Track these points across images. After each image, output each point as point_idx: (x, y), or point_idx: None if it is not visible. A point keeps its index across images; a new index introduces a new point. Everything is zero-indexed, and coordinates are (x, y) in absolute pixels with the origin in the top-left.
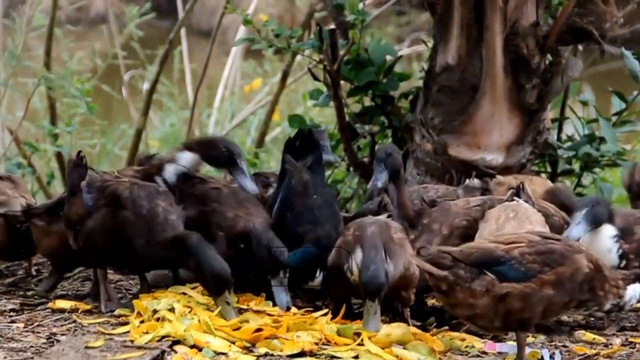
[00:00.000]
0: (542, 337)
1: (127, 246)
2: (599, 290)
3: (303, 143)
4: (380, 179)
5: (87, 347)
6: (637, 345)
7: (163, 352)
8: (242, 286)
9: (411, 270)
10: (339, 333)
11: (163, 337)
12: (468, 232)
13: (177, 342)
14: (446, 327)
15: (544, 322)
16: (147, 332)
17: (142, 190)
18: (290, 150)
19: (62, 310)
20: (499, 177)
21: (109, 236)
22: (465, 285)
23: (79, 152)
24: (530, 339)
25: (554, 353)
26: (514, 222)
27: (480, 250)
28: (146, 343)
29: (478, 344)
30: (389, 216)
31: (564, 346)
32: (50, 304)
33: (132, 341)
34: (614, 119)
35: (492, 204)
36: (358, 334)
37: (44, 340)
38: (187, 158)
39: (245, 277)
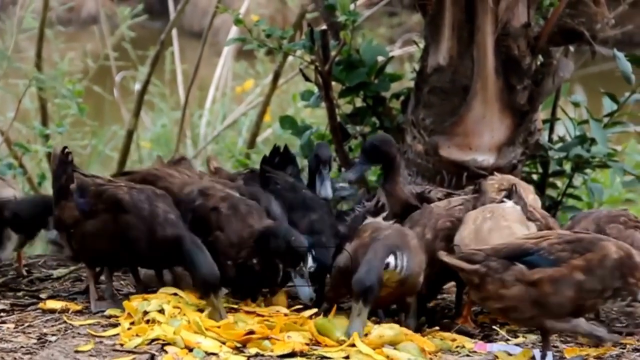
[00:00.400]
0: (533, 337)
1: (129, 248)
2: (630, 277)
3: (281, 159)
4: (356, 171)
5: (76, 351)
6: (628, 346)
7: (152, 356)
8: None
9: (420, 278)
10: (319, 331)
11: (153, 340)
12: (452, 233)
13: (167, 343)
14: (437, 328)
15: (582, 315)
16: (137, 335)
17: (141, 194)
18: (268, 165)
19: (52, 311)
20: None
21: (111, 240)
22: (496, 276)
23: (64, 147)
24: (520, 339)
25: (545, 354)
26: (490, 222)
27: (510, 245)
28: (136, 347)
29: (469, 344)
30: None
31: (555, 346)
32: (41, 305)
33: (121, 344)
34: (605, 120)
35: (475, 204)
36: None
37: (35, 341)
38: None
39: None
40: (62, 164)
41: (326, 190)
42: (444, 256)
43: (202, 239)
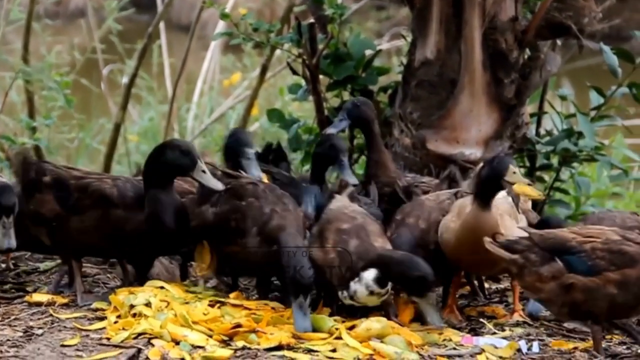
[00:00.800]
0: (520, 331)
1: (120, 240)
2: None
3: (275, 156)
4: (336, 126)
5: (62, 346)
6: (614, 339)
7: (139, 350)
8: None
9: None
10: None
11: (139, 334)
12: None
13: (154, 337)
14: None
15: (618, 322)
16: (123, 329)
17: (128, 184)
18: (262, 161)
19: (38, 304)
20: None
21: (102, 234)
22: (533, 269)
23: (23, 144)
24: (507, 332)
25: (531, 345)
26: None
27: (558, 237)
28: (122, 341)
29: (455, 337)
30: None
31: (541, 339)
32: (27, 298)
33: (108, 339)
34: (592, 114)
35: (462, 195)
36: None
37: (21, 334)
38: None
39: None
40: (27, 163)
41: (351, 177)
42: (487, 243)
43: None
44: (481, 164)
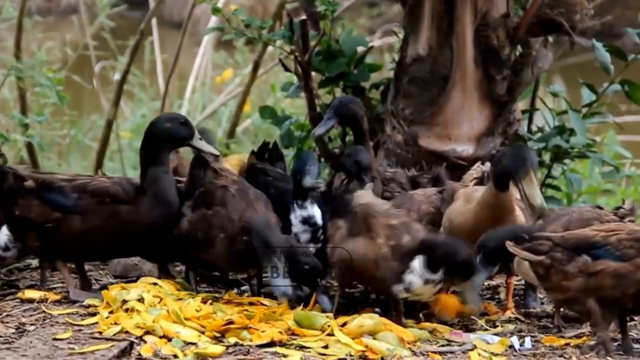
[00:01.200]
0: (511, 327)
1: (132, 236)
2: None
3: (270, 155)
4: (324, 125)
5: (55, 339)
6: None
7: (132, 343)
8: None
9: None
10: (298, 323)
11: (132, 329)
12: (434, 219)
13: (146, 332)
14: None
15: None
16: (115, 324)
17: (123, 181)
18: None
19: (31, 300)
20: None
21: (111, 232)
22: (560, 268)
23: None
24: (499, 329)
25: (524, 341)
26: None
27: (580, 236)
28: (114, 335)
29: (447, 333)
30: None
31: (533, 336)
32: (19, 294)
33: (100, 333)
34: (584, 110)
35: (452, 190)
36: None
37: (13, 330)
38: None
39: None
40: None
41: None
42: (510, 246)
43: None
44: (502, 151)
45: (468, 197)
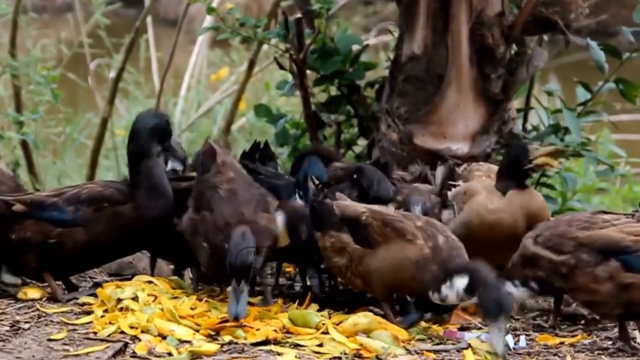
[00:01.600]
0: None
1: (135, 235)
2: None
3: (261, 155)
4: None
5: (49, 340)
6: (601, 334)
7: (126, 344)
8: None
9: None
10: (293, 322)
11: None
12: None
13: (141, 331)
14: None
15: None
16: (110, 323)
17: (111, 184)
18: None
19: (25, 299)
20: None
21: (117, 234)
22: (588, 270)
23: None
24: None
25: (518, 339)
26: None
27: (607, 238)
28: (109, 335)
29: (442, 332)
30: None
31: (527, 334)
32: (20, 294)
33: (95, 333)
34: (578, 109)
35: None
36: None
37: (8, 329)
38: None
39: None
40: None
41: None
42: (530, 246)
43: None
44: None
45: (490, 192)
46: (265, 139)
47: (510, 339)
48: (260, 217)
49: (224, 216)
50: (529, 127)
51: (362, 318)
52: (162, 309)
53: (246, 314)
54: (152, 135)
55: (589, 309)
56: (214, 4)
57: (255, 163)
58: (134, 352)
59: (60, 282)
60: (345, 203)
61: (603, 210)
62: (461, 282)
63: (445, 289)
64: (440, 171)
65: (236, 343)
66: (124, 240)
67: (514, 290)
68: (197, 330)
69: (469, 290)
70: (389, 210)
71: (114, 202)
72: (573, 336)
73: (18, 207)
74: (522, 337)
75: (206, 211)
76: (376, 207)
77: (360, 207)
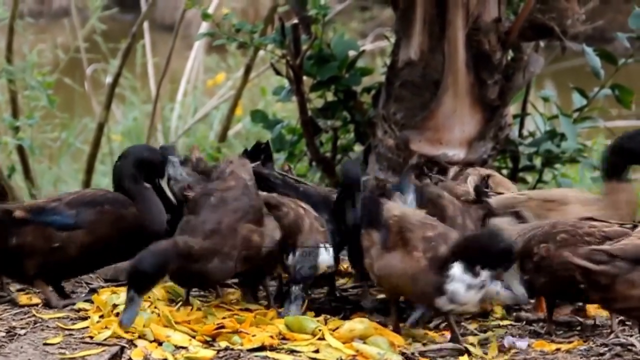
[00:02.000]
0: (501, 332)
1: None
2: None
3: (266, 156)
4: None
5: (45, 344)
6: (597, 340)
7: (122, 348)
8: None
9: None
10: (289, 327)
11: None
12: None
13: (137, 336)
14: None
15: None
16: (106, 328)
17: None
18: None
19: (21, 305)
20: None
21: (117, 237)
22: (626, 277)
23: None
24: (489, 334)
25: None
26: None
27: (635, 245)
28: (105, 339)
29: (439, 338)
30: None
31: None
32: (20, 300)
33: (91, 337)
34: (574, 115)
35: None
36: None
37: (4, 334)
38: None
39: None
40: None
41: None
42: (569, 257)
43: None
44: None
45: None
46: (267, 139)
47: (509, 340)
48: (242, 227)
49: (204, 222)
50: (525, 133)
51: (358, 324)
52: (158, 315)
53: (132, 323)
54: (144, 168)
55: (625, 316)
56: (211, 8)
57: (259, 163)
58: (130, 358)
59: (52, 289)
60: (394, 204)
61: (591, 217)
62: (456, 269)
63: (448, 286)
64: (472, 180)
65: (232, 349)
66: (125, 242)
67: (502, 291)
68: (194, 336)
69: (470, 267)
70: (420, 216)
71: (116, 204)
72: (569, 342)
73: (19, 213)
74: (523, 340)
75: (192, 215)
76: (409, 212)
77: (396, 210)
